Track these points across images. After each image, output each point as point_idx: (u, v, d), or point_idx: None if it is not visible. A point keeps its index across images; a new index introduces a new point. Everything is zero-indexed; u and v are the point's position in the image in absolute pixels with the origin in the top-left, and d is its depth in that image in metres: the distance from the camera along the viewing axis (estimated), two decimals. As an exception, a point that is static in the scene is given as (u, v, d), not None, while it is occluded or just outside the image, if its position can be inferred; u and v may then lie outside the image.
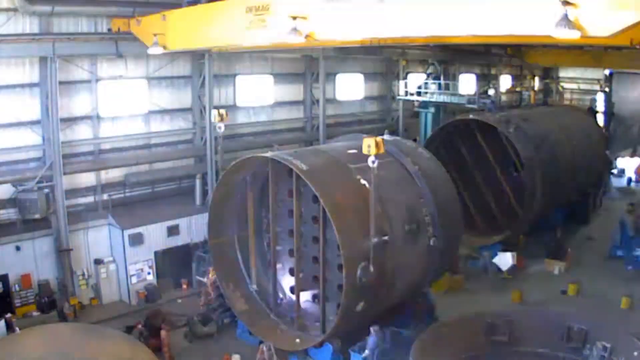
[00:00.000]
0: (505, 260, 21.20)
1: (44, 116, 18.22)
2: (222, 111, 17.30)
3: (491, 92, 31.98)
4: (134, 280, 19.82)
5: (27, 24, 17.56)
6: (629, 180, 37.09)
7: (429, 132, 28.75)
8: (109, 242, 20.13)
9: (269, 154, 15.62)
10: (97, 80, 19.80)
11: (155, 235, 20.27)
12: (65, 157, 18.72)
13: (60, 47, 17.69)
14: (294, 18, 11.67)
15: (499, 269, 21.39)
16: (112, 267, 19.77)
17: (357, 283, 13.74)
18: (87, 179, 19.98)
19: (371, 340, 14.33)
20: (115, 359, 9.10)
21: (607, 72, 40.10)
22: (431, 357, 13.08)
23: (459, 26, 10.13)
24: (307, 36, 11.85)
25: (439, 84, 30.60)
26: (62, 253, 18.65)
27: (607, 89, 41.26)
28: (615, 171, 37.08)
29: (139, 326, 16.86)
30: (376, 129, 30.05)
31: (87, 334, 9.63)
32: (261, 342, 15.88)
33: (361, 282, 13.68)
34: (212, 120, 17.89)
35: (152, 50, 17.28)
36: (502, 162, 24.65)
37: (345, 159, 15.92)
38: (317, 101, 26.75)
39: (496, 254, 21.60)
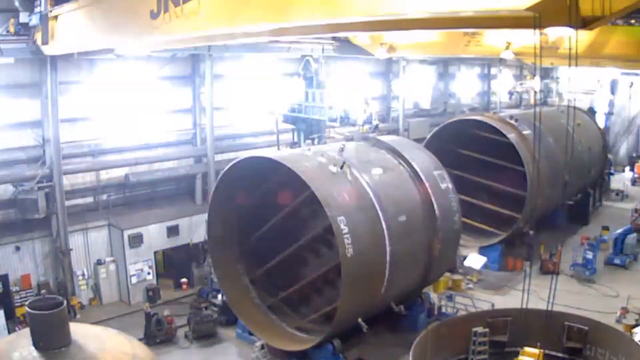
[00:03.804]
0: (476, 260, 21.26)
1: (44, 116, 18.20)
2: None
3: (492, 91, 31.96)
4: (133, 280, 19.83)
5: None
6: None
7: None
8: (108, 243, 20.14)
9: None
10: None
11: (155, 236, 20.27)
12: (65, 157, 18.71)
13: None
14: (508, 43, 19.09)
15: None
16: (112, 267, 19.78)
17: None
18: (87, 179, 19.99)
19: None
20: (116, 359, 9.09)
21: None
22: (431, 357, 13.08)
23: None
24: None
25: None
26: (62, 254, 18.65)
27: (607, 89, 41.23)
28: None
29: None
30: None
31: (87, 334, 9.60)
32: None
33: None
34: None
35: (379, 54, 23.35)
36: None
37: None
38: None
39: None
